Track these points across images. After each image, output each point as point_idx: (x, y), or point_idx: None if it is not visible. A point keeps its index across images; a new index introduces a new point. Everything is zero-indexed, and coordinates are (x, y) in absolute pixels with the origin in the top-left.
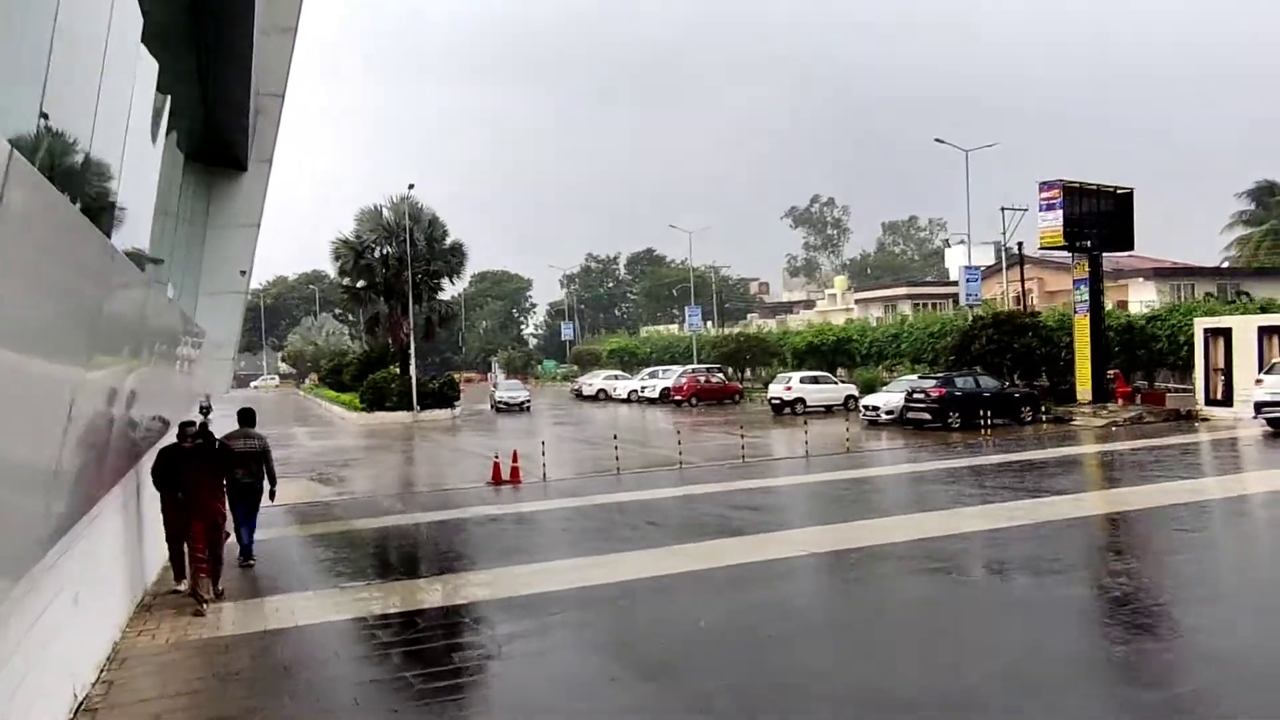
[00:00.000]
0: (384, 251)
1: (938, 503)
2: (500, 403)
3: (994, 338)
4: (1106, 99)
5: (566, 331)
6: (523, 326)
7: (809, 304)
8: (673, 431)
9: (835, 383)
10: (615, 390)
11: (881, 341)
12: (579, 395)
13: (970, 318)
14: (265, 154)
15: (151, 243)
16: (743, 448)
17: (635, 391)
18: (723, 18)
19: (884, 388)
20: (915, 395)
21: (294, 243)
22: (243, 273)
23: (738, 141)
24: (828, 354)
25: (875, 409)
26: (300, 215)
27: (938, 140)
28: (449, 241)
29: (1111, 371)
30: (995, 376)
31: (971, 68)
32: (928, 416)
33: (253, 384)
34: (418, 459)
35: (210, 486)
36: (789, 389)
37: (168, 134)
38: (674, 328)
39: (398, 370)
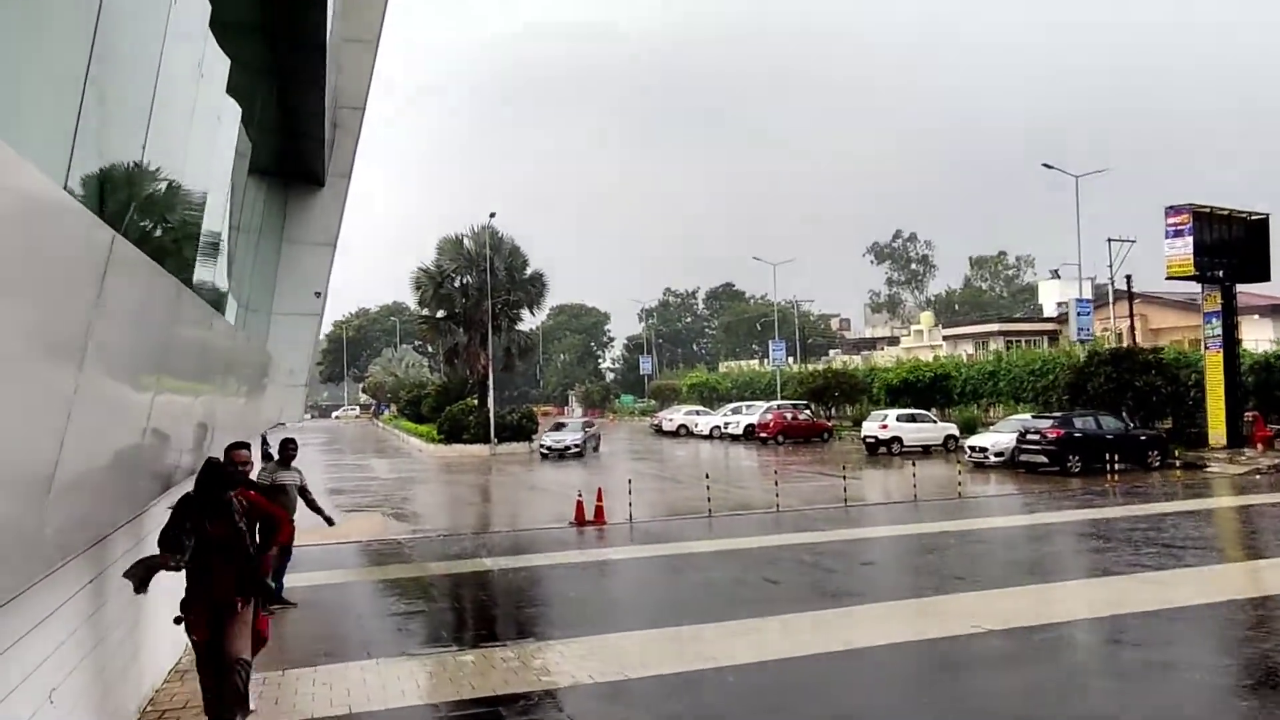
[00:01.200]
0: (464, 281)
1: (1102, 565)
2: (546, 448)
3: (1112, 375)
4: (1214, 125)
5: (645, 365)
6: (600, 360)
7: (893, 340)
8: (762, 471)
9: (934, 421)
10: (696, 426)
11: (977, 379)
12: (658, 430)
13: (1081, 354)
14: (343, 169)
15: (222, 260)
16: (845, 490)
17: (718, 428)
18: (806, 49)
19: (991, 428)
20: (1029, 436)
21: (377, 275)
22: (318, 294)
23: (819, 176)
24: (923, 391)
25: (982, 450)
26: (383, 247)
27: (1046, 165)
28: (529, 271)
29: (1249, 413)
30: (1114, 417)
31: (1063, 98)
32: (1044, 459)
33: (334, 414)
34: (495, 494)
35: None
36: (885, 427)
37: (240, 144)
38: (753, 363)
39: (475, 402)
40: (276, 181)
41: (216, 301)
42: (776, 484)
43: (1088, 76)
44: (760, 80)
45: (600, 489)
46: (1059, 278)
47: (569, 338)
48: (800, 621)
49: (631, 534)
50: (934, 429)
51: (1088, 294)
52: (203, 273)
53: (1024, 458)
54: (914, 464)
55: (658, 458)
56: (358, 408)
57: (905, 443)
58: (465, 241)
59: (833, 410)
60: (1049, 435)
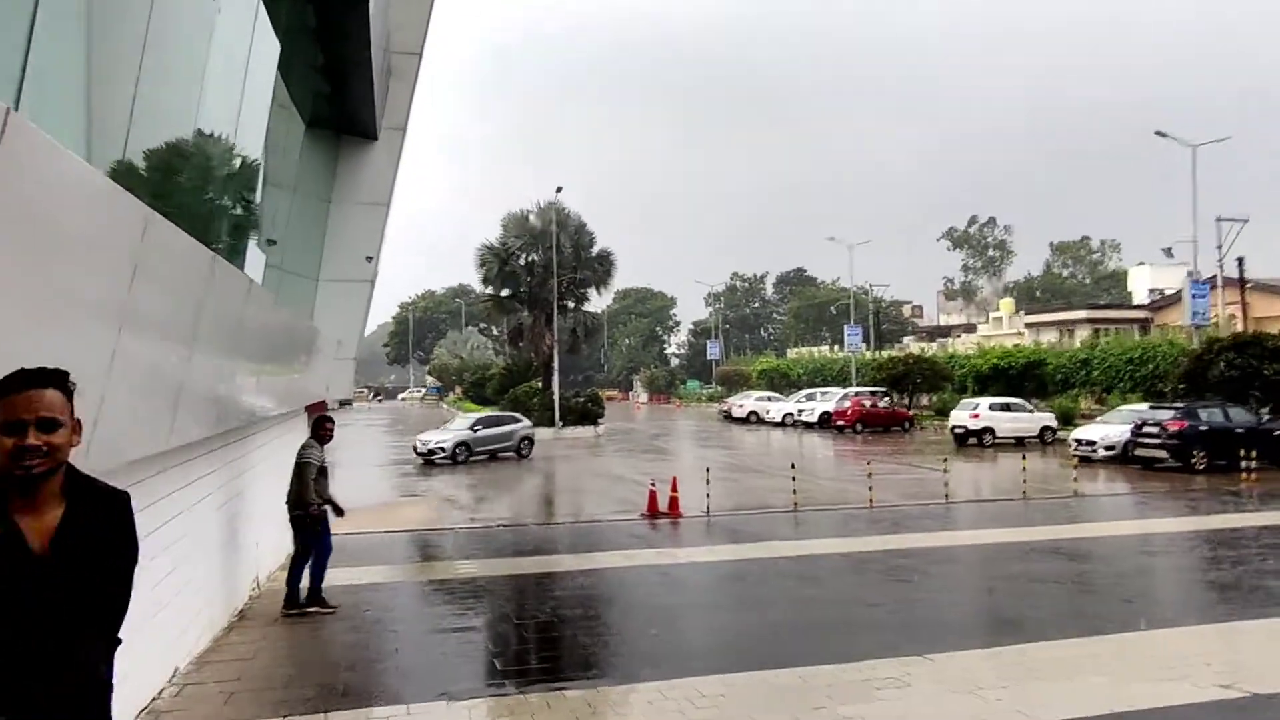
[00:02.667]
0: (529, 259)
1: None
2: (417, 451)
3: (1235, 362)
4: None
5: (713, 350)
6: (664, 345)
7: (969, 328)
8: (843, 461)
9: (1029, 411)
10: (768, 413)
11: (1068, 368)
12: (727, 417)
13: (1193, 340)
14: (398, 121)
15: (263, 221)
16: (946, 485)
17: (790, 415)
18: (881, 33)
19: (1098, 419)
20: (1147, 429)
21: (441, 257)
22: (369, 259)
23: (890, 161)
24: (1013, 379)
25: (1090, 444)
26: (448, 229)
27: (1159, 134)
28: (596, 250)
29: None
30: (1242, 409)
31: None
32: (1164, 455)
33: (399, 396)
34: (560, 481)
35: None
36: (976, 416)
37: (279, 93)
38: (823, 349)
39: (540, 385)
40: (324, 135)
41: (243, 261)
42: (870, 475)
43: (1177, 52)
44: (830, 64)
45: (675, 478)
46: (1171, 256)
47: (634, 322)
48: (955, 666)
49: (709, 529)
50: (1030, 419)
51: (1180, 282)
52: (232, 233)
53: (1140, 452)
54: (1023, 457)
55: (729, 445)
56: (423, 389)
57: (998, 434)
58: (531, 218)
59: (911, 399)
60: (1170, 428)
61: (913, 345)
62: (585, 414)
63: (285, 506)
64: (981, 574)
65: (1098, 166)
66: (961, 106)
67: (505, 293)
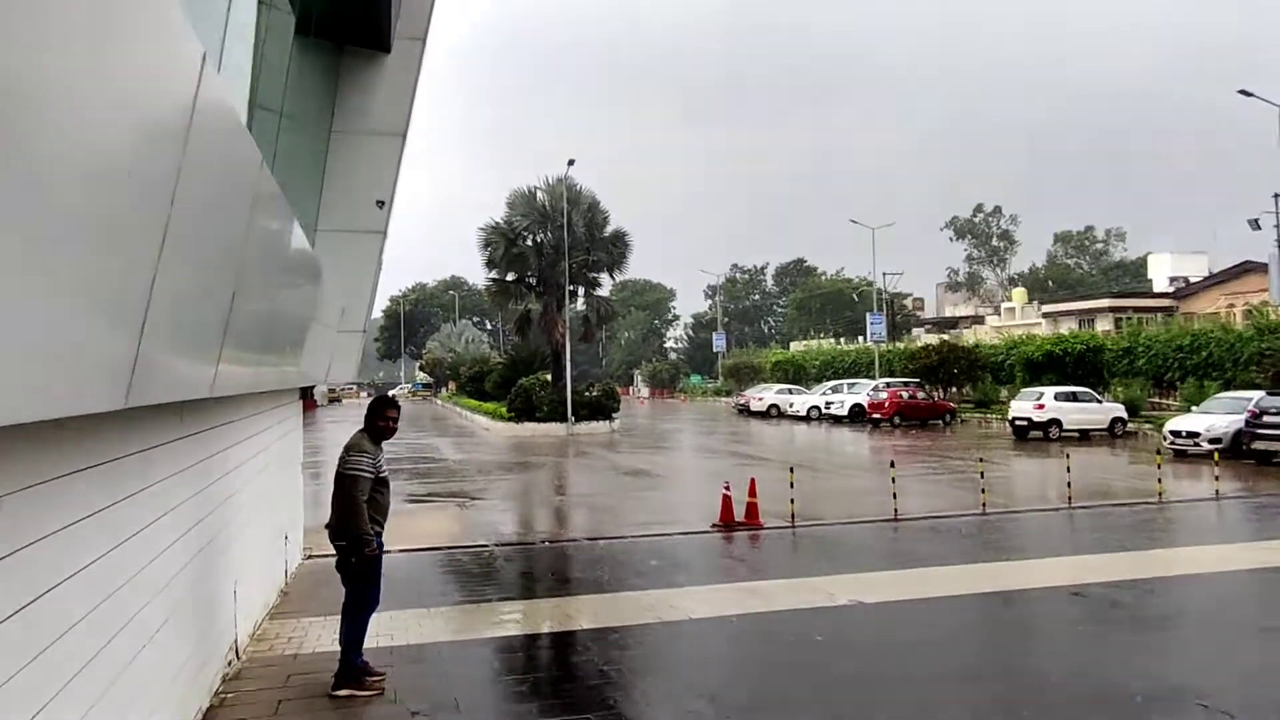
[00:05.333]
0: (538, 239)
1: None
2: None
3: None
4: None
5: (718, 343)
6: (664, 339)
7: (977, 319)
8: (900, 458)
9: (1098, 401)
10: (791, 406)
11: (1111, 356)
12: (744, 411)
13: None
14: (417, 30)
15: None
16: (1069, 485)
17: (816, 408)
18: (883, 22)
19: (1195, 409)
20: (1268, 418)
21: (431, 250)
22: (380, 204)
23: (890, 152)
24: (1068, 367)
25: (1191, 436)
26: (441, 221)
27: (1243, 92)
28: (609, 230)
29: None
30: None
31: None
32: None
33: (390, 392)
34: (590, 483)
35: None
36: (1041, 407)
37: None
38: (829, 341)
39: (548, 377)
40: (322, 46)
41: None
42: (982, 475)
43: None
44: (828, 53)
45: (754, 480)
46: (1258, 229)
47: (633, 314)
48: None
49: (797, 546)
50: (1098, 410)
51: (1203, 269)
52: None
53: (1258, 445)
54: (1159, 455)
55: (760, 441)
56: (417, 384)
57: (1065, 426)
58: (539, 195)
59: (946, 390)
60: None
61: (924, 337)
62: (598, 409)
63: (327, 535)
64: (1226, 622)
65: (1095, 158)
66: (963, 97)
67: (511, 276)
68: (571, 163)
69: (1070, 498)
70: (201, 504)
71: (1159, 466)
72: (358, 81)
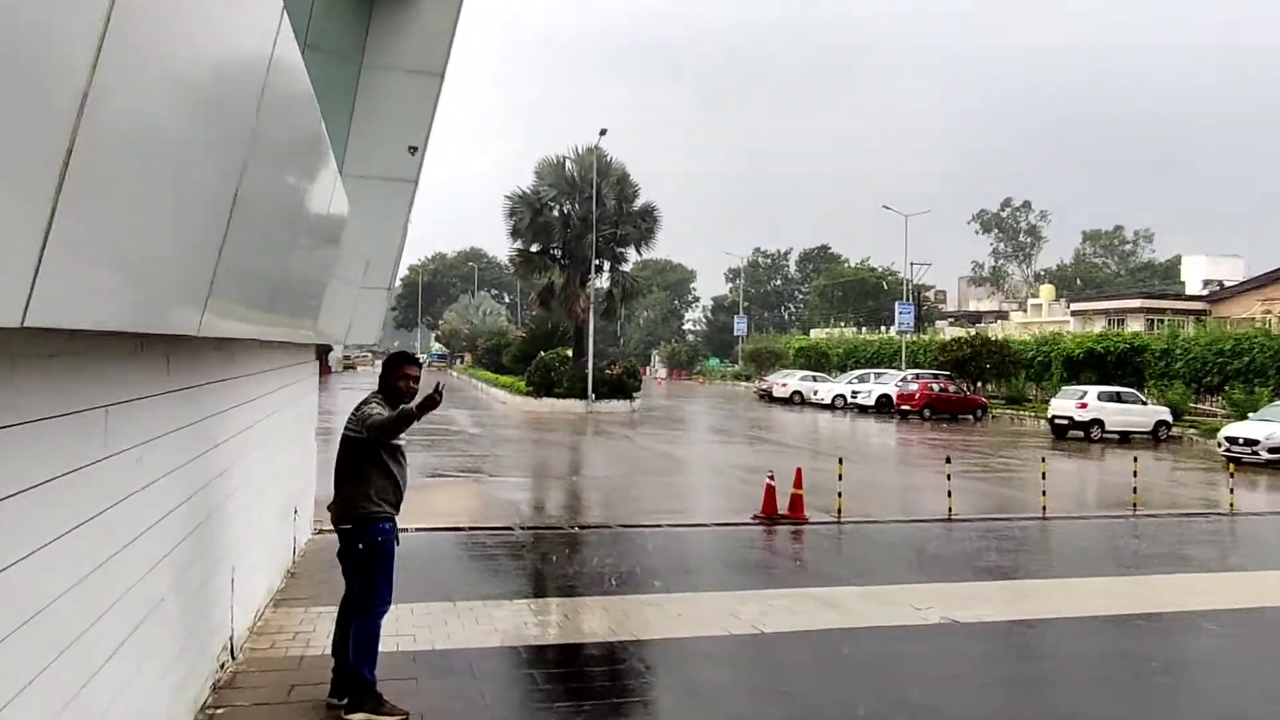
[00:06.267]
0: (565, 209)
1: None
2: None
3: None
4: None
5: (739, 326)
6: (683, 321)
7: (1001, 314)
8: (935, 452)
9: (1142, 403)
10: (815, 394)
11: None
12: (766, 397)
13: None
14: None
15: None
16: (1135, 491)
17: (842, 396)
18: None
19: (1253, 415)
20: None
21: (451, 221)
22: (413, 150)
23: (914, 144)
24: (1111, 367)
25: (1250, 443)
26: (462, 193)
27: None
28: (639, 204)
29: None
30: None
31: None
32: None
33: None
34: (616, 465)
35: None
36: (1084, 406)
37: None
38: (850, 330)
39: (569, 352)
40: None
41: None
42: (1044, 476)
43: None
44: (852, 43)
45: (800, 470)
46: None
47: (653, 294)
48: None
49: (852, 546)
50: (1142, 412)
51: (1239, 274)
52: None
53: None
54: (1230, 465)
55: (787, 429)
56: (433, 354)
57: (1107, 427)
58: (567, 165)
59: (975, 385)
60: None
61: (947, 330)
62: (619, 387)
63: (330, 515)
64: None
65: (1127, 153)
66: (988, 88)
67: (535, 248)
68: (603, 132)
69: (1135, 505)
70: (194, 475)
71: (1231, 475)
72: (394, 10)
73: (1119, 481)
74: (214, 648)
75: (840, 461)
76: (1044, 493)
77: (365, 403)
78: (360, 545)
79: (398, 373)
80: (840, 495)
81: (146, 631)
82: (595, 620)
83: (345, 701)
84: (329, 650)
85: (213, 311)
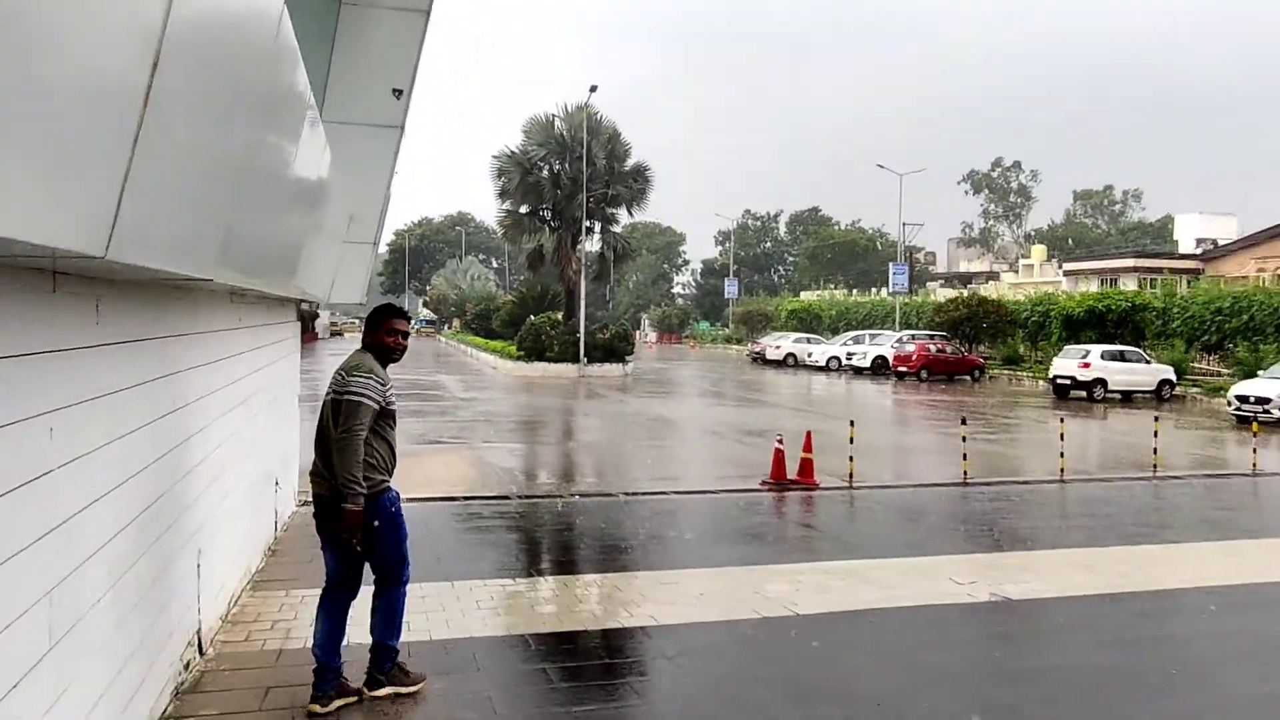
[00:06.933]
0: (555, 169)
1: None
2: None
3: None
4: None
5: (730, 289)
6: (673, 284)
7: (992, 275)
8: (936, 413)
9: (1146, 361)
10: (810, 356)
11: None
12: (759, 359)
13: None
14: None
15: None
16: (1155, 452)
17: (836, 359)
18: None
19: (1262, 373)
20: None
21: (437, 184)
22: (398, 94)
23: (904, 105)
24: (1112, 326)
25: (1261, 401)
26: (446, 155)
27: None
28: (630, 164)
29: None
30: None
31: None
32: None
33: None
34: (610, 428)
35: None
36: (1087, 366)
37: None
38: (840, 292)
39: (559, 316)
40: None
41: None
42: (1062, 438)
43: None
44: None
45: (809, 434)
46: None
47: (643, 257)
48: None
49: (869, 513)
50: (1146, 371)
51: (1233, 232)
52: None
53: None
54: (1256, 425)
55: (782, 390)
56: (421, 320)
57: (1110, 386)
58: (557, 123)
59: (972, 345)
60: None
61: (939, 291)
62: (611, 351)
63: (314, 486)
64: None
65: (1115, 114)
66: (981, 47)
67: (525, 209)
68: (594, 89)
69: (1155, 465)
70: (140, 449)
71: (1255, 435)
72: None
73: (1131, 441)
74: (175, 648)
75: (852, 424)
76: (1062, 454)
77: (358, 367)
78: (376, 522)
79: (385, 325)
80: (852, 459)
81: (70, 649)
82: (611, 601)
83: (363, 682)
84: (310, 644)
85: (131, 232)
